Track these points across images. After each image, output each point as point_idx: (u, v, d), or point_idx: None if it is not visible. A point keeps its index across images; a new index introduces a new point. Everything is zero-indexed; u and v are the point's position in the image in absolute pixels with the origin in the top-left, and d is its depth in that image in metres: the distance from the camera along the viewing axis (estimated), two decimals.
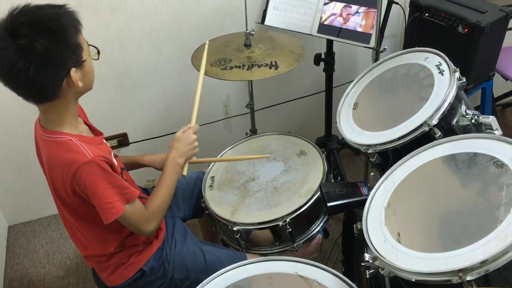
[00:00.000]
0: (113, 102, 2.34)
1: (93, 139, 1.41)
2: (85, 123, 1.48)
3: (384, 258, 1.10)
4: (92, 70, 1.34)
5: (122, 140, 2.48)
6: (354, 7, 1.97)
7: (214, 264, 1.59)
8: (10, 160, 2.37)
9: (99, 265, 1.56)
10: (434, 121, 1.33)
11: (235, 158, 1.83)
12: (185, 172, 1.57)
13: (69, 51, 1.23)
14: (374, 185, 1.33)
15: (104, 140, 1.49)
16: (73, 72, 1.24)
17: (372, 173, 1.53)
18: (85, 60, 1.27)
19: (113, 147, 2.42)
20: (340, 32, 2.00)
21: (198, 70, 1.84)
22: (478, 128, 1.37)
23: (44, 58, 1.18)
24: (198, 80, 1.65)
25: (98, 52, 1.34)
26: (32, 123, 1.43)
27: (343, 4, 1.99)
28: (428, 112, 1.37)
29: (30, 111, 1.36)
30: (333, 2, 2.00)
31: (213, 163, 1.86)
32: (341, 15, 1.99)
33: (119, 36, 2.17)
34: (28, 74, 1.17)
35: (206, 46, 1.75)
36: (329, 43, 2.19)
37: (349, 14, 1.98)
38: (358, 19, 1.96)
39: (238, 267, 1.27)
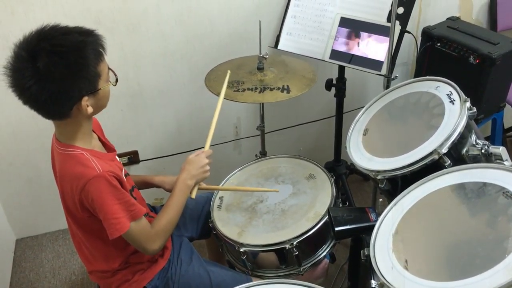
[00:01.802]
0: (125, 120, 2.37)
1: (105, 155, 1.43)
2: (100, 139, 1.50)
3: (391, 285, 1.09)
4: (107, 95, 1.35)
5: (133, 158, 2.50)
6: (367, 35, 1.99)
7: (219, 285, 1.58)
8: (22, 174, 2.40)
9: (103, 281, 1.56)
10: (444, 150, 1.34)
11: (244, 189, 1.81)
12: (193, 195, 1.58)
13: (84, 82, 1.25)
14: (382, 211, 1.32)
15: (117, 157, 1.51)
16: (85, 100, 1.26)
17: (381, 199, 1.53)
18: (100, 89, 1.30)
19: (123, 165, 2.43)
20: (352, 58, 2.02)
21: (211, 92, 1.87)
22: (488, 158, 1.37)
23: (58, 86, 1.20)
24: (216, 107, 1.67)
25: (116, 80, 1.37)
26: (46, 138, 1.46)
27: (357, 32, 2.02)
28: (438, 140, 1.37)
29: (44, 126, 1.38)
30: (347, 29, 2.03)
31: (222, 183, 1.86)
32: (354, 42, 2.02)
33: (134, 55, 2.21)
34: (39, 99, 1.21)
35: (228, 75, 1.77)
36: (341, 69, 2.21)
37: (359, 40, 2.00)
38: (371, 47, 1.98)
39: None
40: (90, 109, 1.29)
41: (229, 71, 1.80)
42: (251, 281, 1.57)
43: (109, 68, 1.34)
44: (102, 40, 1.29)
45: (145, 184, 1.77)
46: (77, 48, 1.22)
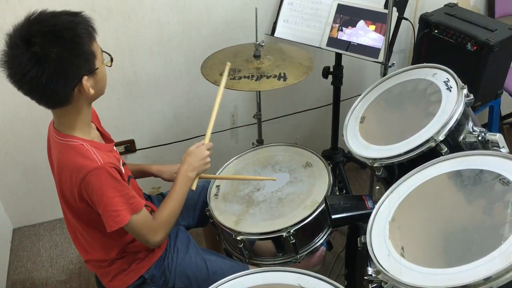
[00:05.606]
0: (121, 109, 2.36)
1: (104, 146, 1.42)
2: (98, 129, 1.49)
3: (388, 272, 1.09)
4: (105, 77, 1.35)
5: (129, 147, 2.49)
6: (365, 22, 1.98)
7: (216, 274, 1.58)
8: (18, 163, 2.39)
9: (100, 271, 1.56)
10: (441, 137, 1.33)
11: (241, 177, 1.82)
12: (194, 187, 1.57)
13: (82, 60, 1.24)
14: (379, 199, 1.33)
15: (114, 148, 1.51)
16: (85, 80, 1.25)
17: (378, 187, 1.53)
18: (97, 68, 1.29)
19: (120, 153, 2.43)
20: (349, 46, 2.01)
21: (208, 80, 1.86)
22: (484, 145, 1.37)
23: (56, 66, 1.19)
24: (216, 99, 1.64)
25: (111, 59, 1.36)
26: (42, 127, 1.45)
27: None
28: (435, 127, 1.37)
29: (39, 115, 1.37)
30: (344, 16, 2.02)
31: (219, 172, 1.86)
32: (351, 29, 2.00)
33: (130, 44, 2.19)
34: (40, 82, 1.19)
35: (227, 67, 1.74)
36: (338, 56, 2.20)
37: (356, 27, 1.99)
38: (368, 34, 1.97)
39: (239, 276, 1.27)
40: (92, 91, 1.28)
41: (228, 63, 1.77)
42: (248, 269, 1.58)
43: (102, 51, 1.33)
44: (90, 20, 1.27)
45: (142, 173, 1.77)
46: (69, 27, 1.21)
